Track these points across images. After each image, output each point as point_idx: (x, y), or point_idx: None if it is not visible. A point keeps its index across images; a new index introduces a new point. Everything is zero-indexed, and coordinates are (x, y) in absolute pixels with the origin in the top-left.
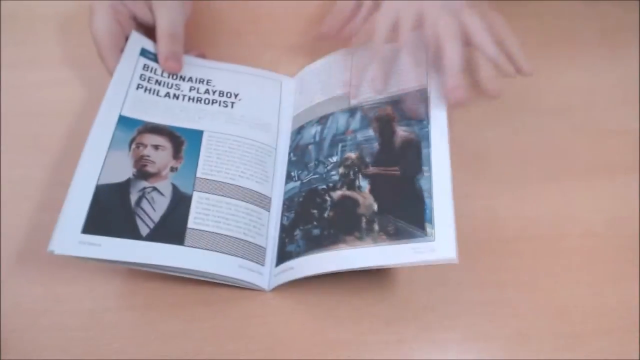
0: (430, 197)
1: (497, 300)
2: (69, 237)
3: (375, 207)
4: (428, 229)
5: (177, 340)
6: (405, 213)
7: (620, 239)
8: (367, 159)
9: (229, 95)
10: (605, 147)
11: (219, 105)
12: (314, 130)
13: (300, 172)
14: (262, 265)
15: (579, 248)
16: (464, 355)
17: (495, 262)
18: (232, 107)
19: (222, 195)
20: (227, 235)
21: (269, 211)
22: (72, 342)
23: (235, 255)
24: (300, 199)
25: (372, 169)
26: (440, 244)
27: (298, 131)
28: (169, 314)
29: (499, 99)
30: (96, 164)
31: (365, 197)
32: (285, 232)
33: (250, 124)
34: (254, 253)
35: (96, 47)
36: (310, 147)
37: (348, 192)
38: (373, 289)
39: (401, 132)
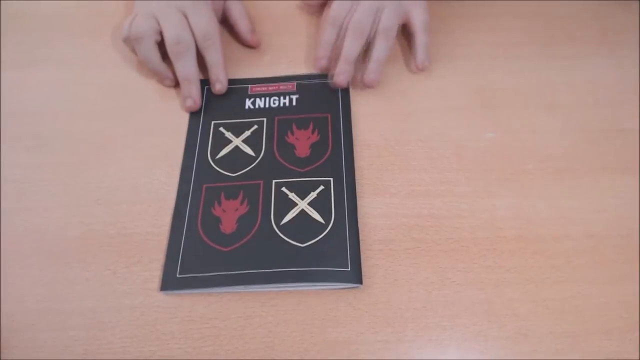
0: None
1: (497, 300)
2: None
3: None
4: None
5: (177, 340)
6: None
7: (620, 239)
8: None
9: None
10: (605, 147)
11: None
12: None
13: None
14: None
15: (579, 248)
16: (464, 355)
17: (495, 262)
18: None
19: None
20: None
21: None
22: (72, 342)
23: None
24: None
25: None
26: None
27: None
28: (169, 314)
29: (499, 98)
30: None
31: None
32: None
33: None
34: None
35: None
36: None
37: None
38: (373, 288)
39: None
